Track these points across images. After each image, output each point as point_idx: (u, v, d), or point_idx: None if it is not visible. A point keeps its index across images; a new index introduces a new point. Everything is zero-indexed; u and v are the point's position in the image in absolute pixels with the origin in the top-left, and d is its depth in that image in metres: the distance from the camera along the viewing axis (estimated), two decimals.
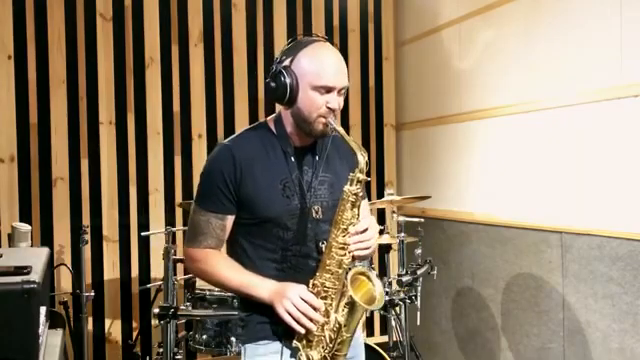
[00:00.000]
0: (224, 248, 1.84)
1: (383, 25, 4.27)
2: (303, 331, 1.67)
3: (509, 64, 3.26)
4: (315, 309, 1.66)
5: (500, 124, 3.33)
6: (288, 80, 1.70)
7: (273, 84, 1.73)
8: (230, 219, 1.77)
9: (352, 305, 1.67)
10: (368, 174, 1.71)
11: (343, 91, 1.73)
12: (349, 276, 1.68)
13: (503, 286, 3.33)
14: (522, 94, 3.16)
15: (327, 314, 1.69)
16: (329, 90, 1.69)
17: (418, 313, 3.20)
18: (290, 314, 1.65)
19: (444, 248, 3.81)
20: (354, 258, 1.71)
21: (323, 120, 1.71)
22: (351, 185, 1.69)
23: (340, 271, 1.69)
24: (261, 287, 1.71)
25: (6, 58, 3.36)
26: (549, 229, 2.98)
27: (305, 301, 1.66)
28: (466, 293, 3.65)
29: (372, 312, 4.06)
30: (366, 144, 4.18)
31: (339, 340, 1.69)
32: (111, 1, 3.57)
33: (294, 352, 1.72)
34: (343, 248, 1.69)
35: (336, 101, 1.71)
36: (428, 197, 3.38)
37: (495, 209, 3.37)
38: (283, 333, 1.73)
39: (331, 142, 1.84)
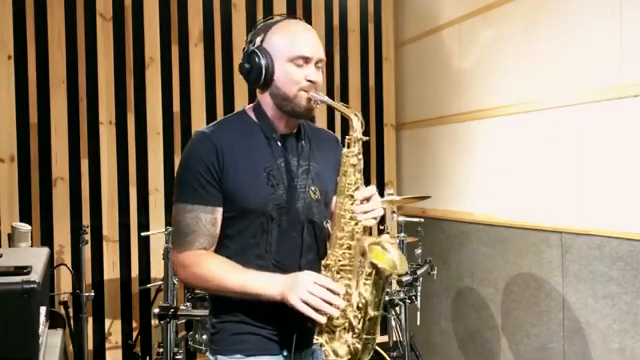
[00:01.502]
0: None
1: (383, 25, 4.27)
2: (324, 321, 1.49)
3: (509, 64, 3.26)
4: (334, 293, 1.49)
5: (500, 124, 3.33)
6: (262, 59, 1.59)
7: (247, 65, 1.61)
8: (219, 212, 1.60)
9: (376, 274, 1.52)
10: (365, 134, 1.61)
11: (320, 64, 1.62)
12: (366, 245, 1.55)
13: (503, 286, 3.33)
14: (522, 94, 3.16)
15: (348, 297, 1.54)
16: (306, 61, 1.59)
17: (418, 313, 3.20)
18: (308, 303, 1.47)
19: (444, 248, 3.81)
20: (365, 228, 1.58)
21: (305, 94, 1.59)
22: (349, 147, 1.59)
23: (353, 243, 1.56)
24: (269, 284, 1.52)
25: (6, 58, 3.36)
26: (549, 229, 2.98)
27: (322, 286, 1.49)
28: (466, 293, 3.65)
29: None
30: (366, 144, 4.15)
31: (367, 319, 1.54)
32: (111, 1, 3.57)
33: None
34: (352, 218, 1.56)
35: (315, 74, 1.60)
36: (428, 197, 3.38)
37: (495, 209, 3.37)
38: (260, 349, 1.61)
39: (313, 133, 1.76)
